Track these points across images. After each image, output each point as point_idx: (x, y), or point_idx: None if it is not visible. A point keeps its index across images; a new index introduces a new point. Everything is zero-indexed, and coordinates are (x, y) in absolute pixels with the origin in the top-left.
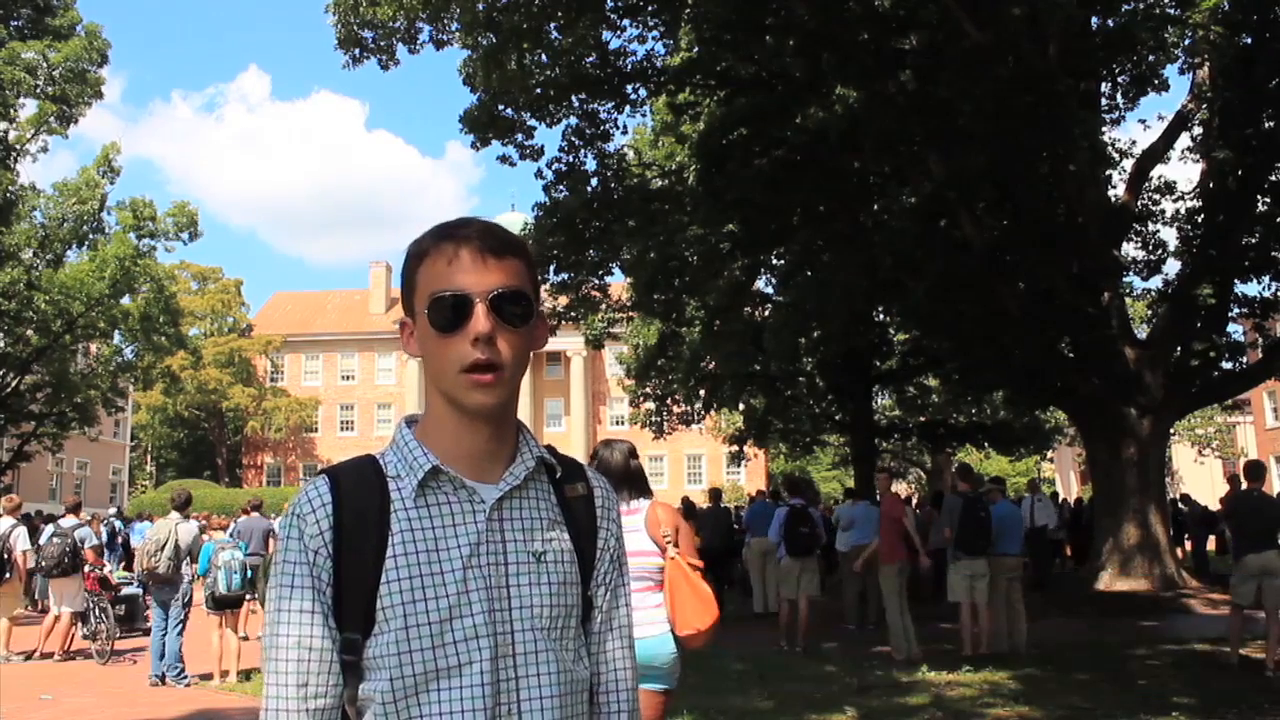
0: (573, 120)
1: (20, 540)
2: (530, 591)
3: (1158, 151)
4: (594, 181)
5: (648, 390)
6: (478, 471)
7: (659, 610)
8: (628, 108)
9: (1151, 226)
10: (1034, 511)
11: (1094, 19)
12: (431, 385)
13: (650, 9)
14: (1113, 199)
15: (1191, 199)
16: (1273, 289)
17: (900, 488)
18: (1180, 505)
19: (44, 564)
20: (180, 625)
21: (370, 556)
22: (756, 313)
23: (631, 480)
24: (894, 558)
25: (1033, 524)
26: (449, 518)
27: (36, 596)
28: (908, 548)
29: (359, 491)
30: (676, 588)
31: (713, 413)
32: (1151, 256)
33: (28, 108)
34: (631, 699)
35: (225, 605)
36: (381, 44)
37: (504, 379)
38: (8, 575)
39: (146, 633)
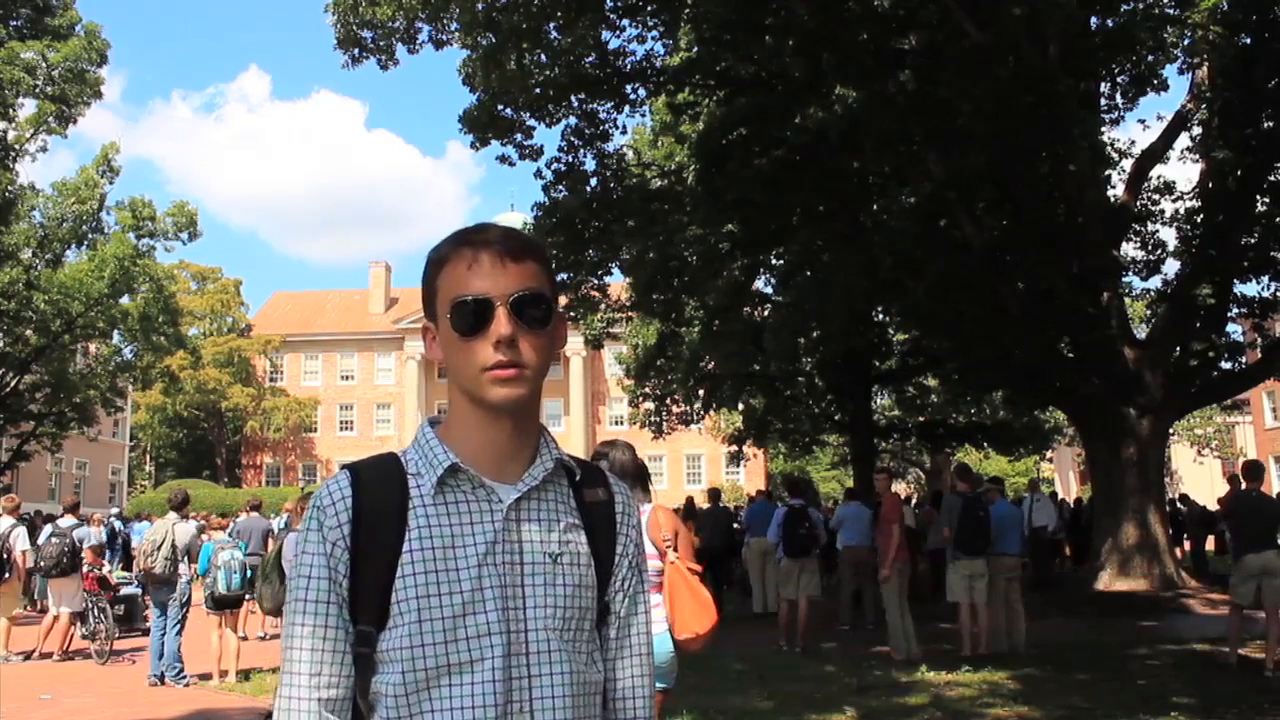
0: (572, 120)
1: (20, 540)
2: (545, 592)
3: (1157, 151)
4: (593, 181)
5: (647, 390)
6: (498, 471)
7: (657, 610)
8: (627, 108)
9: (1151, 226)
10: (1033, 512)
11: (1093, 19)
12: (455, 386)
13: (650, 9)
14: (1112, 199)
15: (1191, 199)
16: (1272, 289)
17: (899, 488)
18: (1179, 505)
19: (43, 564)
20: (179, 625)
21: (387, 550)
22: (756, 313)
23: (642, 479)
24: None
25: (1031, 524)
26: (466, 515)
27: (35, 596)
28: (907, 548)
29: (379, 486)
30: (676, 592)
31: (712, 413)
32: (1151, 256)
33: (27, 107)
34: (649, 705)
35: (225, 605)
36: (381, 44)
37: (526, 375)
38: (7, 575)
39: (145, 633)
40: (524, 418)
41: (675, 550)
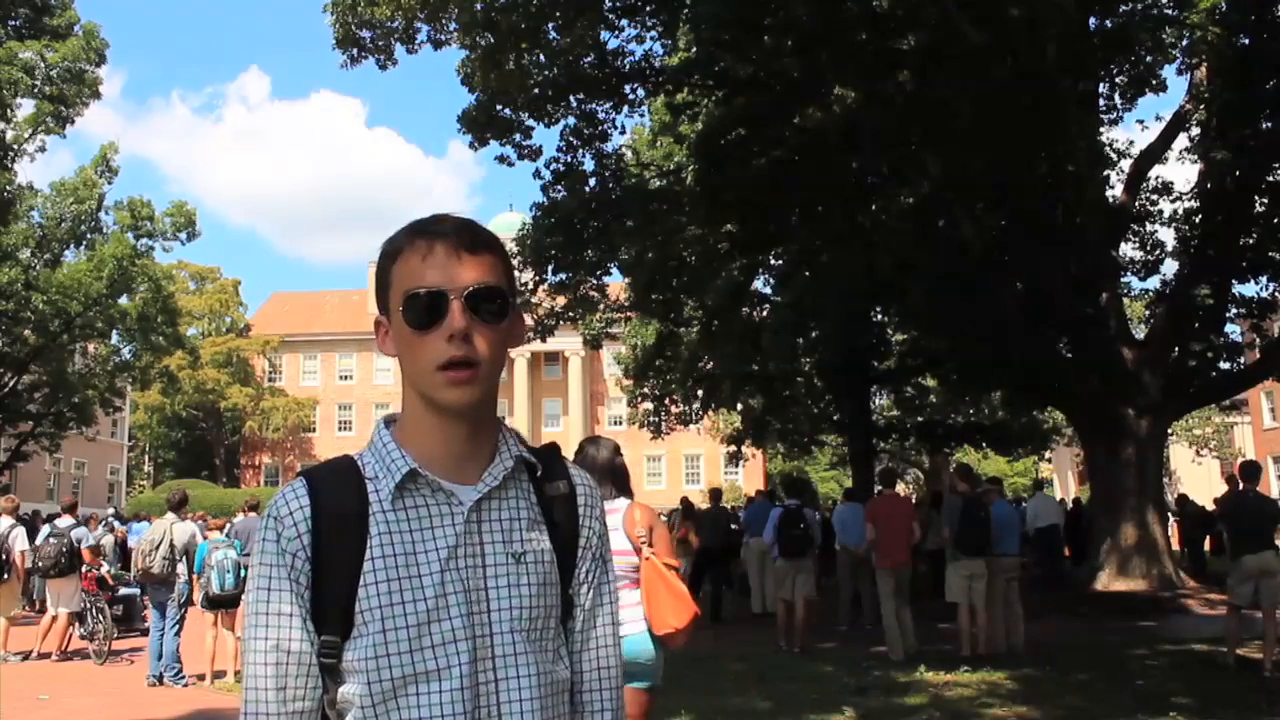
0: (571, 120)
1: (19, 540)
2: (510, 593)
3: (1155, 152)
4: (592, 182)
5: (645, 390)
6: (456, 473)
7: (638, 609)
8: (626, 108)
9: (1149, 227)
10: (1037, 511)
11: (1092, 20)
12: (408, 385)
13: (648, 9)
14: (1111, 199)
15: (1189, 199)
16: (1270, 289)
17: (898, 488)
18: (1174, 506)
19: (41, 564)
20: (178, 626)
21: (349, 559)
22: (755, 313)
23: (615, 477)
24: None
25: (1037, 524)
26: (426, 520)
27: (34, 597)
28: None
29: (337, 494)
30: (652, 587)
31: (710, 413)
32: (1149, 257)
33: (25, 107)
34: (616, 697)
35: (220, 604)
36: (379, 43)
37: (480, 376)
38: (5, 576)
39: (144, 633)
40: (480, 418)
41: (650, 546)
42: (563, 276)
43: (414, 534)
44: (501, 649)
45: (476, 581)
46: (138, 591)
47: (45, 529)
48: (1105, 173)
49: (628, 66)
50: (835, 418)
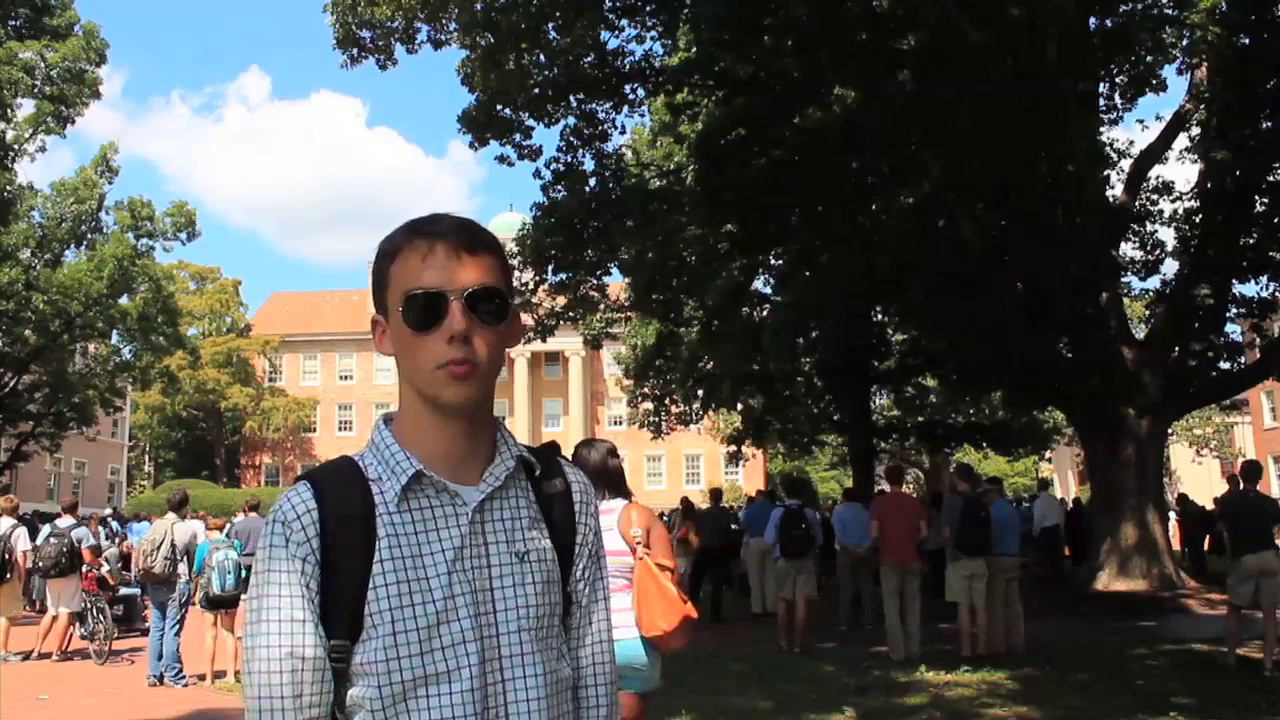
0: (571, 120)
1: (21, 540)
2: (515, 593)
3: (1156, 152)
4: (592, 182)
5: (646, 390)
6: (457, 473)
7: (630, 614)
8: (626, 108)
9: (1149, 226)
10: (1041, 511)
11: (1092, 19)
12: (406, 384)
13: (648, 9)
14: (1111, 199)
15: (1189, 199)
16: (1270, 289)
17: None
18: (1176, 506)
19: (41, 564)
20: (178, 626)
21: (358, 562)
22: (755, 313)
23: (608, 479)
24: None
25: (1041, 524)
26: (432, 522)
27: (34, 597)
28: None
29: (342, 496)
30: (644, 588)
31: (711, 413)
32: (1149, 257)
33: (25, 107)
34: (610, 692)
35: (220, 605)
36: (379, 44)
37: (479, 373)
38: (8, 576)
39: (144, 633)
40: (479, 416)
41: (647, 546)
42: (563, 276)
43: (420, 535)
44: (509, 649)
45: (483, 582)
46: (138, 591)
47: (45, 529)
48: (1105, 173)
49: (628, 66)
50: (835, 418)
